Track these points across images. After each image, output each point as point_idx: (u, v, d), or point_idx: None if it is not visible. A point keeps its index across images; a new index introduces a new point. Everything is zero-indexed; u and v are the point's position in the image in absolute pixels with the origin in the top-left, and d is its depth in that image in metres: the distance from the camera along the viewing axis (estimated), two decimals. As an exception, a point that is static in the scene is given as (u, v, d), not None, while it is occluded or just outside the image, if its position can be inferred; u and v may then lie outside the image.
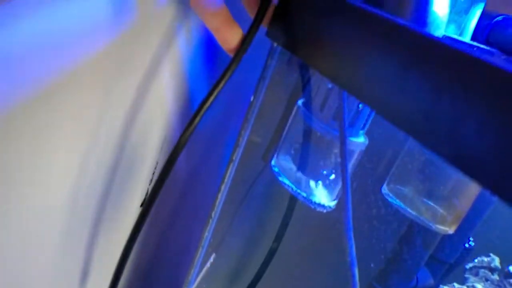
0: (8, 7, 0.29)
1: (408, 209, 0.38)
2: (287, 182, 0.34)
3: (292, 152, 0.35)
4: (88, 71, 0.35)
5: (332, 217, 0.35)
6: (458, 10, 0.45)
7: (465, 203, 0.39)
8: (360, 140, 0.32)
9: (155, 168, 0.49)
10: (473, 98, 0.20)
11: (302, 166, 0.34)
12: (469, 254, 0.46)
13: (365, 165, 0.41)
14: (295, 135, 0.35)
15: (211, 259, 0.50)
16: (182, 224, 0.60)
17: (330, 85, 0.33)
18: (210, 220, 0.41)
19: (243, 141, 0.38)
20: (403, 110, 0.23)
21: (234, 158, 0.38)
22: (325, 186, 0.34)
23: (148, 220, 0.35)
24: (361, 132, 0.32)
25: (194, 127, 0.33)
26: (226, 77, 0.32)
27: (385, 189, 0.40)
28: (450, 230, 0.39)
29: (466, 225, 0.43)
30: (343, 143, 0.30)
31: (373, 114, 0.33)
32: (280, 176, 0.35)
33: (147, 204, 0.34)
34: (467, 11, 0.45)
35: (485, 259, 0.48)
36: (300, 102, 0.35)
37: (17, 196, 0.35)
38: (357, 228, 0.32)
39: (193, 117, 0.33)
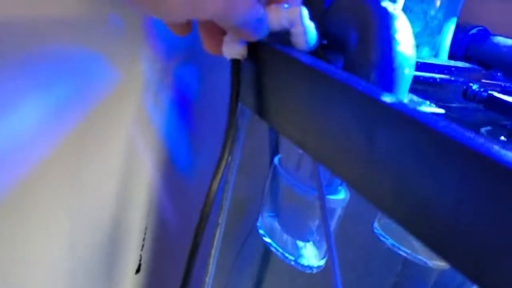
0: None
1: (402, 248, 0.37)
2: (273, 245, 0.33)
3: (276, 211, 0.34)
4: (66, 148, 0.35)
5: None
6: (430, 31, 0.44)
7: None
8: (340, 197, 0.31)
9: (145, 234, 0.48)
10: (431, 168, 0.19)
11: (286, 226, 0.33)
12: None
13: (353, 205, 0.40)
14: (275, 194, 0.34)
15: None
16: None
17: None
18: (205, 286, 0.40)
19: (226, 203, 0.37)
20: (371, 182, 0.22)
21: (220, 221, 0.37)
22: (313, 245, 0.33)
23: None
24: (340, 188, 0.31)
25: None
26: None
27: (377, 228, 0.39)
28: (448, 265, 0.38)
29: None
30: (323, 206, 0.28)
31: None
32: (266, 238, 0.34)
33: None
34: (439, 30, 0.44)
35: None
36: (276, 160, 0.34)
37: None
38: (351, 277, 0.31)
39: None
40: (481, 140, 0.18)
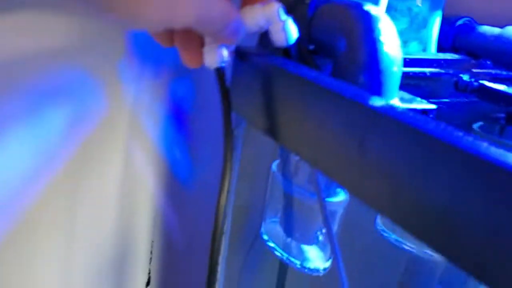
0: None
1: (406, 242, 0.37)
2: (278, 250, 0.34)
3: (278, 216, 0.35)
4: (65, 174, 0.35)
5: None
6: (416, 27, 0.44)
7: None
8: (340, 199, 0.32)
9: (152, 247, 0.48)
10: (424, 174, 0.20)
11: (289, 231, 0.34)
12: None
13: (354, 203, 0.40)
14: (276, 200, 0.34)
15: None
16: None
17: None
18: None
19: (229, 210, 0.38)
20: (367, 185, 0.23)
21: (224, 230, 0.38)
22: (317, 247, 0.33)
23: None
24: (339, 189, 0.32)
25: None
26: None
27: (379, 224, 0.39)
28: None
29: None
30: (323, 209, 0.29)
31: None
32: (270, 243, 0.34)
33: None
34: (425, 24, 0.45)
35: None
36: (274, 166, 0.35)
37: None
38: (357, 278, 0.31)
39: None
40: (469, 139, 0.19)
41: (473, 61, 0.45)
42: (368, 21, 0.29)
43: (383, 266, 0.42)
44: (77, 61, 0.33)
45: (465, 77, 0.42)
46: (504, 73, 0.44)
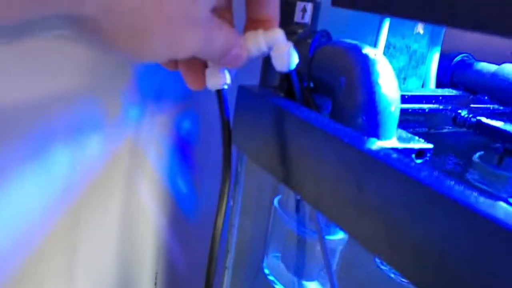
0: None
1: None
2: (279, 285, 0.34)
3: (280, 251, 0.35)
4: (70, 213, 0.36)
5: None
6: (415, 63, 0.46)
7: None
8: (339, 237, 0.32)
9: (156, 279, 0.49)
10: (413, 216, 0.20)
11: (290, 266, 0.34)
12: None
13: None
14: (278, 235, 0.35)
15: None
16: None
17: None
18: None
19: (232, 246, 0.38)
20: (364, 228, 0.23)
21: (227, 265, 0.38)
22: (318, 283, 0.34)
23: None
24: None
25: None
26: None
27: (377, 258, 0.40)
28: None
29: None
30: (323, 247, 0.30)
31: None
32: (272, 278, 0.35)
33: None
34: (423, 60, 0.46)
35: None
36: (276, 202, 0.35)
37: None
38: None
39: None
40: (460, 188, 0.19)
41: (471, 97, 0.46)
42: (366, 64, 0.30)
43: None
44: (83, 99, 0.35)
45: (463, 113, 0.43)
46: (501, 108, 0.45)
